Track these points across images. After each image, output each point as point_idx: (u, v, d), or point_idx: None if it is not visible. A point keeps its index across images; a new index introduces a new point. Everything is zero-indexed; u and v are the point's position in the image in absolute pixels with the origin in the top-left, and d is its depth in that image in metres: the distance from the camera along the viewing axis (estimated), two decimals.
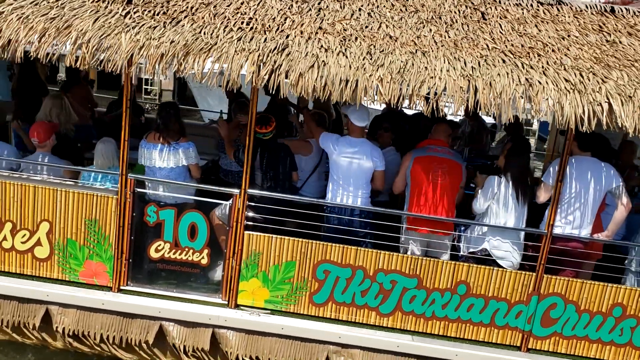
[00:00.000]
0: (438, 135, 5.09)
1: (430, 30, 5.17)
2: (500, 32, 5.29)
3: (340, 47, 4.71)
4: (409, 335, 5.02)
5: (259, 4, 5.34)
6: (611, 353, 4.96)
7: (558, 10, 5.84)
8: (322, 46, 4.69)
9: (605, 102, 4.32)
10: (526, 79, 4.47)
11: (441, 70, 4.52)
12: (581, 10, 5.85)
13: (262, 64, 4.43)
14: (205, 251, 5.11)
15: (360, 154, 5.01)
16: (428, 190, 4.97)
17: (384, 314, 5.06)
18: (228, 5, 5.23)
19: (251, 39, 4.67)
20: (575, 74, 4.62)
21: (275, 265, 5.05)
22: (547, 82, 4.47)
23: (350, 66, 4.50)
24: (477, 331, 5.03)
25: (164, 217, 5.05)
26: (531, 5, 5.82)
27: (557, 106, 4.32)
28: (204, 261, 5.12)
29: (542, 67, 4.69)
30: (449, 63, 4.62)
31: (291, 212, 4.99)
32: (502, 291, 4.94)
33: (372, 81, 4.41)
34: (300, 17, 5.18)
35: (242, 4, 5.33)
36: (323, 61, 4.52)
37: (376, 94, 4.38)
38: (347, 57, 4.59)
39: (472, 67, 4.58)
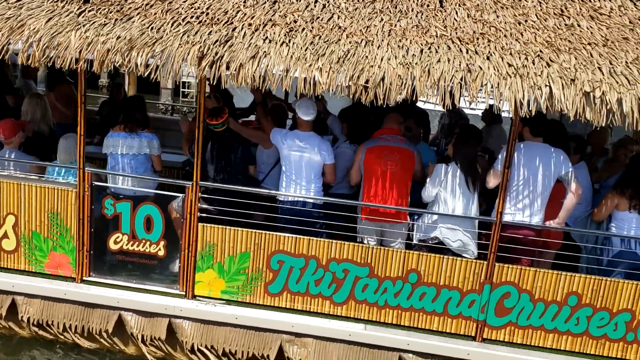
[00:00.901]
0: (390, 124, 5.08)
1: (382, 19, 5.14)
2: (454, 19, 5.22)
3: (285, 38, 4.74)
4: (362, 324, 5.03)
5: None
6: (568, 343, 4.87)
7: None
8: (266, 37, 4.74)
9: (546, 85, 4.25)
10: (467, 65, 4.43)
11: (382, 59, 4.51)
12: None
13: (203, 56, 4.50)
14: (162, 243, 5.21)
15: (309, 148, 5.02)
16: (380, 179, 4.97)
17: (337, 302, 5.07)
18: (184, 1, 5.31)
19: (196, 32, 4.74)
20: (520, 58, 4.55)
21: (230, 256, 5.12)
22: (488, 68, 4.42)
23: (291, 57, 4.53)
24: (430, 320, 5.00)
25: (120, 210, 5.17)
26: None
27: (496, 91, 4.27)
28: (161, 253, 5.23)
29: (489, 52, 4.63)
30: (391, 52, 4.60)
31: (246, 203, 5.03)
32: (453, 280, 4.90)
33: (312, 71, 4.43)
34: (253, 9, 5.22)
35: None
36: (265, 52, 4.56)
37: (315, 84, 4.40)
38: (289, 47, 4.62)
39: (413, 55, 4.56)
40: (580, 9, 5.54)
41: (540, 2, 5.65)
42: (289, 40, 4.71)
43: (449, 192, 4.82)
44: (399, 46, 4.70)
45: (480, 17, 5.28)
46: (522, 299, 4.84)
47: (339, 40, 4.78)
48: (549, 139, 4.81)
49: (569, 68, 4.43)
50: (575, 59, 4.59)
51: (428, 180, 4.92)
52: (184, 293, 5.23)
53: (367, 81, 4.36)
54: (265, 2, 5.38)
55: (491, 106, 4.35)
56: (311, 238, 4.99)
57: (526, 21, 5.24)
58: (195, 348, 5.16)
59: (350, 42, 4.74)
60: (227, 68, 4.51)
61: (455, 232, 4.84)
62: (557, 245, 5.09)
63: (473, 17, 5.28)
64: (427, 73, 4.38)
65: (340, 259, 4.99)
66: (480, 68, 4.42)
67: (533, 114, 4.25)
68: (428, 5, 5.47)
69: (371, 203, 5.00)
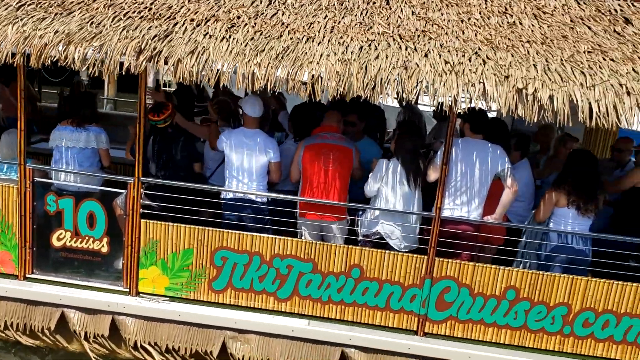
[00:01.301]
0: (329, 122, 5.09)
1: (326, 16, 5.16)
2: (399, 16, 5.26)
3: (226, 33, 4.73)
4: (305, 320, 5.04)
5: None
6: (507, 336, 4.94)
7: None
8: (207, 33, 4.73)
9: (480, 82, 4.30)
10: (404, 62, 4.47)
11: (321, 56, 4.53)
12: None
13: (141, 51, 4.48)
14: (105, 239, 5.17)
15: (254, 145, 5.00)
16: (319, 177, 4.97)
17: (282, 298, 5.09)
18: None
19: (136, 27, 4.71)
20: (457, 55, 4.60)
21: (173, 253, 5.10)
22: (425, 64, 4.46)
23: (230, 52, 4.53)
24: (373, 315, 5.04)
25: (63, 206, 5.13)
26: None
27: (431, 88, 4.31)
28: (104, 249, 5.19)
29: (428, 49, 4.68)
30: (331, 48, 4.62)
31: (189, 200, 5.01)
32: (395, 274, 4.94)
33: (250, 66, 4.44)
34: (197, 5, 5.20)
35: None
36: (204, 47, 4.55)
37: (253, 80, 4.40)
38: (229, 43, 4.61)
39: (352, 51, 4.59)
40: (525, 7, 5.62)
41: (486, 0, 5.73)
42: (230, 36, 4.70)
43: (389, 188, 4.86)
44: (339, 43, 4.72)
45: (424, 14, 5.33)
46: (461, 293, 4.90)
47: (281, 36, 4.78)
48: (490, 135, 4.88)
49: (504, 65, 4.50)
50: (512, 56, 4.65)
51: (370, 175, 4.95)
52: (128, 290, 5.20)
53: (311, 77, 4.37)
54: None
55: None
56: (254, 234, 4.99)
57: (469, 19, 5.30)
58: (139, 345, 5.13)
59: (291, 39, 4.75)
60: (166, 63, 4.49)
61: (393, 228, 4.88)
62: (500, 241, 5.16)
63: (417, 14, 5.32)
64: (364, 69, 4.40)
65: (284, 255, 5.00)
66: (417, 65, 4.46)
67: (467, 110, 4.30)
68: (374, 3, 5.50)
69: (309, 199, 5.00)
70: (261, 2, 5.36)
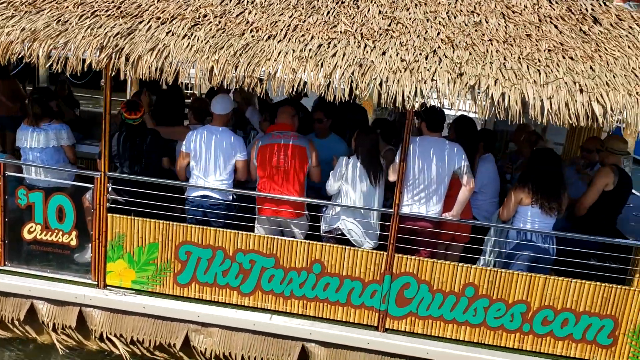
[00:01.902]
0: (282, 120, 5.10)
1: (292, 15, 5.23)
2: (365, 15, 5.32)
3: (188, 31, 4.82)
4: (268, 315, 5.11)
5: None
6: (467, 333, 4.96)
7: None
8: (170, 31, 4.82)
9: (432, 79, 4.34)
10: (359, 60, 4.52)
11: (279, 53, 4.59)
12: None
13: (102, 48, 4.58)
14: (74, 233, 5.28)
15: (220, 143, 5.04)
16: (272, 176, 5.03)
17: (245, 293, 5.15)
18: None
19: (101, 25, 4.82)
20: (414, 53, 4.64)
21: (139, 246, 5.19)
22: (380, 62, 4.51)
23: (190, 49, 4.61)
24: (334, 310, 5.09)
25: (33, 200, 5.24)
26: None
27: (384, 85, 4.36)
28: (73, 243, 5.30)
29: (386, 48, 4.72)
30: (290, 46, 4.68)
31: (156, 195, 5.10)
32: (355, 270, 4.98)
33: (208, 63, 4.52)
34: (167, 3, 5.30)
35: None
36: (164, 44, 4.64)
37: (211, 76, 4.48)
38: (190, 40, 4.70)
39: (310, 49, 4.65)
40: (495, 6, 5.65)
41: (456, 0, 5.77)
42: (192, 34, 4.79)
43: (349, 185, 4.91)
44: (299, 41, 4.78)
45: (391, 13, 5.38)
46: (421, 290, 4.93)
47: (243, 34, 4.86)
48: (457, 132, 4.93)
49: (460, 63, 4.53)
50: (470, 54, 4.68)
51: (331, 173, 5.00)
52: (96, 283, 5.30)
53: (261, 74, 4.44)
54: None
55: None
56: (217, 229, 5.07)
57: (435, 18, 5.34)
58: (105, 336, 5.23)
59: (252, 36, 4.83)
60: (127, 60, 4.59)
61: (353, 224, 4.93)
62: (465, 239, 5.18)
63: (384, 13, 5.37)
64: (319, 67, 4.46)
65: (247, 250, 5.06)
66: (373, 63, 4.51)
67: (423, 108, 4.34)
68: (343, 2, 5.56)
69: (263, 194, 5.07)
70: (230, 1, 5.45)
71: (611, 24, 5.35)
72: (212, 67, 4.50)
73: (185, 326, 5.13)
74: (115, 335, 5.21)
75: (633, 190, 6.73)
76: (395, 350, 4.93)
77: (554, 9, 5.62)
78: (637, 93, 4.26)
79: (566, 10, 5.61)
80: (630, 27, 5.28)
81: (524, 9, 5.61)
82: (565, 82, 4.34)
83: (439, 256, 5.08)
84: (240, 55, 4.56)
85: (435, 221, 4.90)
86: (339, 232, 5.02)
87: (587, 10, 5.60)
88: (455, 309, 4.92)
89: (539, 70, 4.49)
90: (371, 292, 5.00)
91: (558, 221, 5.03)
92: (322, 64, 4.49)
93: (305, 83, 4.41)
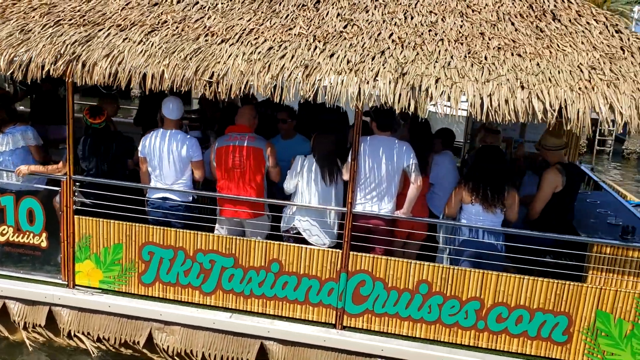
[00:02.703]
0: (240, 120, 5.18)
1: (250, 19, 5.34)
2: (322, 18, 5.40)
3: (144, 37, 4.96)
4: (228, 313, 5.21)
5: (100, 2, 5.67)
6: (422, 330, 4.99)
7: None
8: (127, 37, 4.97)
9: (375, 79, 4.40)
10: (306, 61, 4.60)
11: (229, 56, 4.70)
12: None
13: (60, 55, 4.75)
14: (44, 235, 5.46)
15: (173, 146, 5.16)
16: (229, 177, 5.13)
17: (206, 292, 5.27)
18: (68, 5, 5.58)
19: (62, 34, 4.99)
20: (362, 54, 4.70)
21: (105, 247, 5.35)
22: (326, 64, 4.59)
23: (143, 54, 4.75)
24: (293, 308, 5.16)
25: (5, 203, 5.44)
26: None
27: (329, 86, 4.43)
28: (44, 244, 5.48)
29: (336, 49, 4.79)
30: (241, 49, 4.79)
31: (120, 197, 5.25)
32: (312, 269, 5.06)
33: (160, 68, 4.65)
34: (131, 11, 5.47)
35: (88, 2, 5.68)
36: (119, 50, 4.80)
37: (162, 80, 4.62)
38: (144, 46, 4.84)
39: (260, 52, 4.75)
40: (457, 5, 5.68)
41: (418, 1, 5.81)
42: (147, 40, 4.93)
43: (305, 184, 4.99)
44: (251, 44, 4.88)
45: (349, 15, 5.45)
46: (376, 287, 4.98)
47: (197, 38, 4.99)
48: (412, 133, 4.99)
49: (405, 63, 4.58)
50: (417, 54, 4.73)
51: (288, 172, 5.09)
52: (66, 283, 5.47)
53: (210, 76, 4.56)
54: (146, 4, 5.64)
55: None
56: (178, 230, 5.19)
57: (392, 19, 5.39)
58: (72, 334, 5.39)
59: (206, 41, 4.95)
60: (84, 66, 4.75)
61: (309, 223, 5.00)
62: (422, 236, 5.22)
63: (342, 16, 5.44)
64: (266, 69, 4.56)
65: (207, 250, 5.18)
66: (319, 64, 4.59)
67: (373, 108, 4.41)
68: (304, 5, 5.66)
69: (224, 199, 5.18)
70: (192, 7, 5.59)
71: (570, 20, 5.34)
72: (163, 71, 4.64)
73: (148, 324, 5.26)
74: (82, 333, 5.37)
75: (604, 187, 6.72)
76: (351, 348, 4.98)
77: (515, 7, 5.62)
78: (579, 88, 4.26)
79: (527, 7, 5.61)
80: (588, 22, 5.26)
81: (484, 7, 5.62)
82: (507, 79, 4.36)
83: (397, 254, 5.12)
84: (191, 59, 4.69)
85: (388, 219, 4.94)
86: (296, 231, 5.10)
87: (548, 7, 5.60)
88: (410, 306, 4.96)
89: (483, 68, 4.51)
90: (328, 290, 5.06)
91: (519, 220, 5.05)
92: (269, 65, 4.59)
93: (252, 84, 4.50)
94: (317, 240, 5.05)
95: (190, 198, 5.30)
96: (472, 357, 4.83)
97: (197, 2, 5.69)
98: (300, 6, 5.64)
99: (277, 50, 4.78)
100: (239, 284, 5.19)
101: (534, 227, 5.01)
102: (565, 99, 4.20)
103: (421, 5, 5.66)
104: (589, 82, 4.31)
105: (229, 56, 4.71)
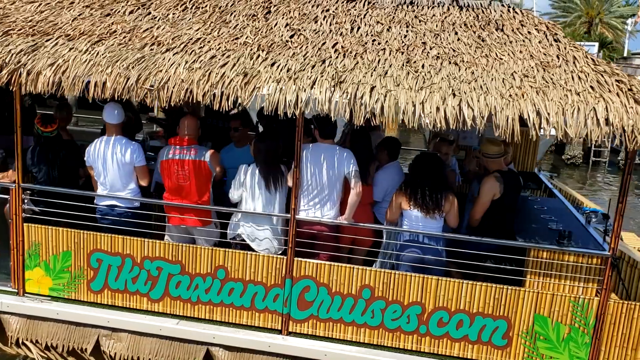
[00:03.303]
0: (181, 132, 5.23)
1: (199, 29, 5.44)
2: (271, 28, 5.50)
3: (91, 47, 5.03)
4: (175, 320, 5.24)
5: (53, 12, 5.75)
6: (366, 335, 5.03)
7: (353, 4, 6.00)
8: (73, 47, 5.04)
9: (311, 87, 4.48)
10: (248, 68, 4.68)
11: (172, 64, 4.78)
12: (374, 4, 5.99)
13: (5, 65, 4.81)
14: None
15: (115, 152, 5.22)
16: (175, 189, 5.23)
17: (154, 299, 5.30)
18: (21, 15, 5.65)
19: (9, 44, 5.05)
20: (303, 63, 4.79)
21: (54, 255, 5.38)
22: (266, 72, 4.67)
23: (87, 63, 4.82)
24: (240, 315, 5.20)
25: None
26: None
27: (267, 94, 4.51)
28: None
29: (279, 58, 4.88)
30: (185, 58, 4.87)
31: (70, 204, 5.29)
32: (257, 275, 5.11)
33: (102, 76, 4.72)
34: (83, 21, 5.55)
35: (41, 12, 5.76)
36: (64, 60, 4.86)
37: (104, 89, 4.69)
38: (89, 55, 4.91)
39: (202, 60, 4.83)
40: (405, 15, 5.80)
41: (369, 10, 5.93)
42: (93, 49, 5.00)
43: (249, 192, 5.05)
44: (195, 53, 4.96)
45: (298, 26, 5.55)
46: (320, 293, 5.03)
47: (143, 47, 5.06)
48: (352, 143, 5.10)
49: (343, 72, 4.66)
50: (357, 63, 4.82)
51: (232, 181, 5.15)
52: (16, 290, 5.49)
53: (151, 85, 4.63)
54: (98, 15, 5.72)
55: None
56: (125, 237, 5.24)
57: (339, 29, 5.50)
58: (21, 342, 5.40)
59: (151, 49, 5.03)
60: (28, 75, 4.81)
61: (254, 230, 5.06)
62: (367, 243, 5.29)
63: (291, 26, 5.55)
64: (206, 77, 4.63)
65: (154, 257, 5.22)
66: (259, 72, 4.67)
67: (315, 117, 4.50)
68: (255, 16, 5.76)
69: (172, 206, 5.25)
70: (144, 18, 5.68)
71: (512, 30, 5.47)
72: (106, 79, 4.71)
73: (96, 331, 5.29)
74: (31, 341, 5.38)
75: (557, 193, 6.83)
76: (296, 353, 5.01)
77: (462, 17, 5.76)
78: (509, 96, 4.35)
79: (474, 17, 5.75)
80: (529, 32, 5.39)
81: (432, 17, 5.76)
82: (440, 87, 4.45)
83: (343, 260, 5.18)
84: (133, 67, 4.76)
85: (332, 225, 5.01)
86: (242, 238, 5.15)
87: (494, 17, 5.73)
88: (353, 311, 5.01)
89: (418, 76, 4.61)
90: (274, 296, 5.11)
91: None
92: (209, 74, 4.66)
93: (192, 91, 4.57)
94: (262, 246, 5.10)
95: (137, 204, 5.34)
96: None
97: (150, 13, 5.80)
98: (251, 16, 5.75)
99: (219, 59, 4.86)
100: (186, 290, 5.23)
101: (475, 233, 5.08)
102: (495, 106, 4.29)
103: (370, 16, 5.79)
104: (520, 89, 4.40)
105: (171, 65, 4.78)
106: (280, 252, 5.17)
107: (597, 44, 35.90)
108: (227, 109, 4.53)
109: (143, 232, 5.29)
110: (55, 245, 5.36)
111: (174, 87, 4.62)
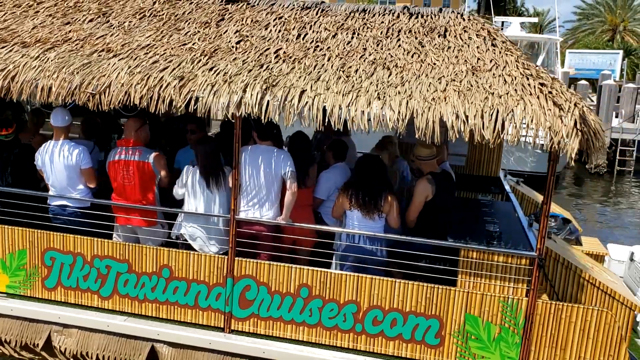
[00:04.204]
0: (126, 134, 5.41)
1: (150, 36, 5.64)
2: (220, 35, 5.68)
3: (42, 54, 5.26)
4: (123, 317, 5.40)
5: (16, 21, 6.01)
6: (305, 333, 5.14)
7: (307, 12, 6.16)
8: (26, 53, 5.27)
9: (243, 90, 4.64)
10: (186, 73, 4.86)
11: (114, 70, 4.98)
12: (327, 11, 6.14)
13: None
14: None
15: (61, 155, 5.40)
16: (121, 190, 5.40)
17: (104, 297, 5.48)
18: None
19: None
20: (241, 67, 4.95)
21: (10, 253, 5.59)
22: (203, 75, 4.84)
23: (36, 69, 5.04)
24: (184, 313, 5.35)
25: None
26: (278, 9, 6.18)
27: (201, 97, 4.68)
28: None
29: (219, 63, 5.05)
30: (128, 63, 5.06)
31: (25, 204, 5.51)
32: (200, 274, 5.26)
33: (49, 81, 4.94)
34: (42, 29, 5.79)
35: (4, 21, 6.03)
36: (14, 65, 5.09)
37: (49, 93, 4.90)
38: (39, 61, 5.13)
39: (143, 65, 5.02)
40: (355, 23, 5.94)
41: (321, 17, 6.09)
42: (44, 56, 5.23)
43: (190, 192, 5.22)
44: (140, 58, 5.16)
45: (247, 32, 5.73)
46: (261, 292, 5.16)
47: (92, 54, 5.27)
48: (291, 146, 5.28)
49: (278, 76, 4.82)
50: (293, 68, 4.97)
51: (177, 180, 5.32)
52: None
53: (93, 89, 4.83)
54: (58, 24, 5.96)
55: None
56: (76, 236, 5.43)
57: (286, 36, 5.66)
58: None
59: (99, 56, 5.24)
60: None
61: (195, 230, 5.22)
62: (309, 243, 5.41)
63: (240, 32, 5.73)
64: (144, 81, 4.82)
65: (103, 256, 5.40)
66: (196, 76, 4.85)
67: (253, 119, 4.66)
68: (207, 23, 5.95)
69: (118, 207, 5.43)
70: (101, 26, 5.90)
71: (455, 36, 5.58)
72: (52, 84, 4.92)
73: (48, 327, 5.47)
74: None
75: (512, 197, 6.88)
76: (235, 350, 5.14)
77: (409, 24, 5.88)
78: (432, 99, 4.47)
79: (420, 24, 5.87)
80: (470, 37, 5.50)
81: (380, 24, 5.89)
82: (367, 91, 4.58)
83: (285, 260, 5.31)
84: (78, 72, 4.97)
85: (271, 225, 5.15)
86: (184, 238, 5.31)
87: (440, 23, 5.84)
88: (292, 310, 5.13)
89: (348, 80, 4.74)
90: (216, 294, 5.25)
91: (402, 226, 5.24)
92: (147, 78, 4.85)
93: (129, 95, 4.76)
94: (203, 246, 5.25)
95: (88, 204, 5.53)
96: None
97: (108, 22, 6.02)
98: (204, 24, 5.94)
99: (160, 64, 5.05)
100: (134, 288, 5.40)
101: (411, 234, 5.18)
102: (417, 109, 4.40)
103: (320, 23, 5.94)
104: (443, 92, 4.51)
105: (114, 69, 4.98)
106: (222, 252, 5.31)
107: (621, 51, 35.60)
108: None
109: (94, 232, 5.47)
110: (12, 243, 5.57)
111: (113, 91, 4.81)
